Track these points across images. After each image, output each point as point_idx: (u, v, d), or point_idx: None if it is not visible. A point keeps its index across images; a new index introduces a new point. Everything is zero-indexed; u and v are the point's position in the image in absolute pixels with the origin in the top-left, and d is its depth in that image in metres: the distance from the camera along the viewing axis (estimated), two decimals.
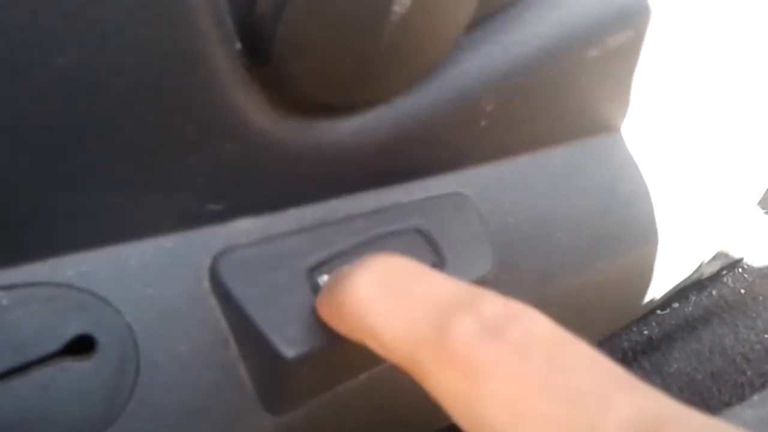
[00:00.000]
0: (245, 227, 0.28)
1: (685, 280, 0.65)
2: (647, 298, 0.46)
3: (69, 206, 0.23)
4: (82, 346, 0.25)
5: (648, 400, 0.17)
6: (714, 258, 0.67)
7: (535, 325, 0.18)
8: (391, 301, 0.21)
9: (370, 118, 0.26)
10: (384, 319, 0.21)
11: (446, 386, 0.19)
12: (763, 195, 0.53)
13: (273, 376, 0.27)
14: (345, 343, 0.27)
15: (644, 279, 0.42)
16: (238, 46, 0.21)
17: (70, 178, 0.22)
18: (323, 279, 0.27)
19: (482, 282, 0.30)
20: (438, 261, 0.29)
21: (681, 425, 0.16)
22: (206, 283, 0.27)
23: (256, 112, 0.23)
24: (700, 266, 0.57)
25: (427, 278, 0.21)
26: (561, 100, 0.31)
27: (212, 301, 0.27)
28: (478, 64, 0.27)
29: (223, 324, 0.27)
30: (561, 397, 0.16)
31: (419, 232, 0.29)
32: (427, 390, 0.20)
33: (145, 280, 0.26)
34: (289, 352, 0.25)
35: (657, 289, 0.47)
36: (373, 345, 0.22)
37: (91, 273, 0.25)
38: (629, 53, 0.30)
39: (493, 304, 0.19)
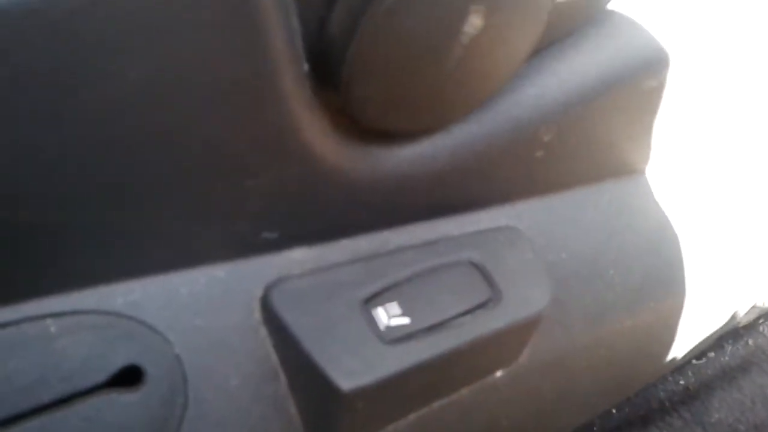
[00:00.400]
0: (298, 257, 0.27)
1: (720, 328, 0.63)
2: (691, 344, 0.45)
3: (122, 232, 0.23)
4: (129, 376, 0.24)
5: None
6: (750, 307, 0.65)
7: None
8: None
9: (428, 146, 0.26)
10: None
11: None
12: None
13: (324, 410, 0.26)
14: (399, 380, 0.26)
15: (688, 323, 0.41)
16: (306, 67, 0.21)
17: (127, 202, 0.22)
18: (377, 311, 0.26)
19: (538, 317, 0.29)
20: (493, 295, 0.28)
21: None
22: (257, 314, 0.26)
23: (319, 136, 0.23)
24: (734, 316, 0.56)
25: None
26: (614, 133, 0.30)
27: (263, 332, 0.26)
28: (535, 93, 0.27)
29: (273, 356, 0.26)
30: None
31: (473, 265, 0.28)
32: None
33: (196, 309, 0.25)
34: (345, 384, 0.24)
35: (698, 335, 0.46)
36: None
37: (141, 302, 0.24)
38: (675, 83, 0.30)
39: None
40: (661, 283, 0.36)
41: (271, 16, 0.19)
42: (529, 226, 0.31)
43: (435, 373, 0.27)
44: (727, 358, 0.61)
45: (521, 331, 0.29)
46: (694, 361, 0.61)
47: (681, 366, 0.60)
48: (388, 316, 0.26)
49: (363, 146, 0.24)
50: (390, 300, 0.27)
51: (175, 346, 0.25)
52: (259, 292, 0.26)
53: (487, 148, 0.27)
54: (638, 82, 0.29)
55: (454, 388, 0.30)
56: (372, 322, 0.26)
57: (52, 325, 0.23)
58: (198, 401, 0.25)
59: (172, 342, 0.25)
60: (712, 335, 0.61)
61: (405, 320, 0.26)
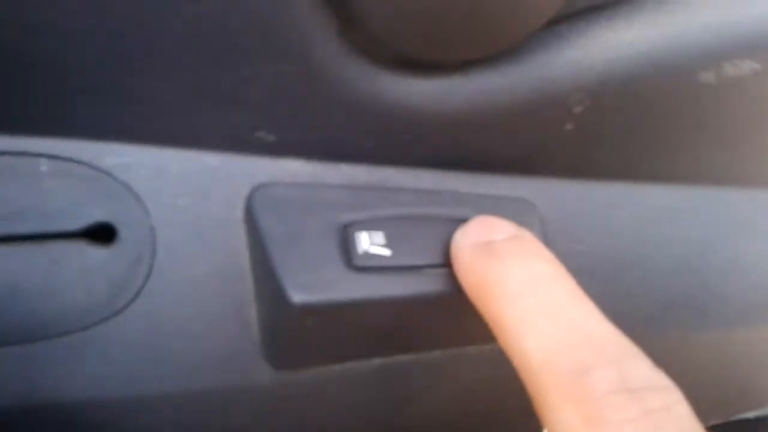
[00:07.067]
0: (293, 168, 0.27)
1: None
2: (740, 394, 0.41)
3: (123, 90, 0.23)
4: (102, 233, 0.25)
5: None
6: None
7: (677, 406, 0.18)
8: (545, 318, 0.21)
9: (443, 85, 0.25)
10: (530, 331, 0.20)
11: (564, 422, 0.18)
12: None
13: (277, 321, 0.26)
14: (357, 311, 0.25)
15: (733, 369, 0.37)
16: None
17: (129, 61, 0.22)
18: (355, 236, 0.25)
19: None
20: None
21: None
22: (239, 212, 0.26)
23: (322, 38, 0.22)
24: None
25: (587, 310, 0.21)
26: (663, 125, 0.28)
27: (240, 231, 0.26)
28: (572, 56, 0.25)
29: (245, 257, 0.26)
30: None
31: None
32: (538, 413, 0.20)
33: (181, 189, 0.26)
34: (296, 296, 0.24)
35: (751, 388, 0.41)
36: (499, 335, 0.22)
37: (131, 166, 0.25)
38: (751, 89, 0.27)
39: (642, 366, 0.19)
40: (700, 311, 0.33)
41: None
42: (549, 207, 0.29)
43: (400, 317, 0.26)
44: None
45: None
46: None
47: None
48: (371, 242, 0.25)
49: (371, 65, 0.24)
50: (377, 229, 0.26)
51: (152, 217, 0.26)
52: (246, 191, 0.26)
53: (507, 103, 0.25)
54: (710, 64, 0.26)
55: (425, 346, 0.29)
56: (348, 246, 0.25)
57: (44, 165, 0.25)
58: (160, 277, 0.26)
59: (150, 213, 0.25)
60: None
61: (386, 251, 0.26)
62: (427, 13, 0.22)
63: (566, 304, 0.21)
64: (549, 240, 0.29)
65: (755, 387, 0.39)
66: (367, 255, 0.25)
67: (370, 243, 0.26)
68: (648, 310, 0.32)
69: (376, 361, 0.28)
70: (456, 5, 0.22)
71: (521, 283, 0.22)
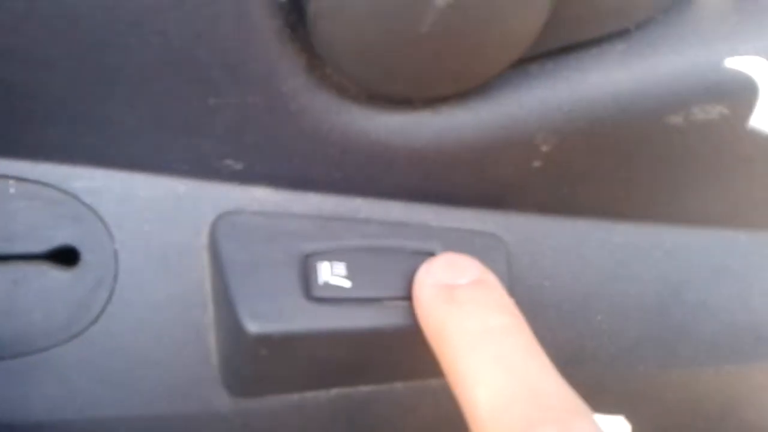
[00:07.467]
0: (261, 196, 0.27)
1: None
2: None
3: (91, 115, 0.24)
4: (65, 256, 0.25)
5: None
6: None
7: None
8: (496, 372, 0.21)
9: (412, 120, 0.25)
10: (480, 383, 0.21)
11: None
12: None
13: (235, 350, 0.26)
14: (314, 342, 0.25)
15: (701, 409, 0.37)
16: None
17: (96, 87, 0.23)
18: (316, 266, 0.25)
19: None
20: None
21: None
22: (204, 239, 0.26)
23: (289, 71, 0.23)
24: None
25: (539, 366, 0.21)
26: (631, 166, 0.28)
27: (204, 258, 0.26)
28: (540, 95, 0.25)
29: (208, 285, 0.26)
30: None
31: None
32: None
33: (147, 214, 0.26)
34: (251, 326, 0.24)
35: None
36: (452, 383, 0.22)
37: (98, 190, 0.25)
38: (719, 133, 0.27)
39: (586, 425, 0.19)
40: (670, 349, 0.32)
41: None
42: (518, 242, 0.29)
43: (358, 349, 0.26)
44: None
45: None
46: None
47: None
48: (332, 273, 0.25)
49: (338, 99, 0.24)
50: (339, 260, 0.26)
51: (116, 242, 0.26)
52: (211, 218, 0.26)
53: (476, 140, 0.26)
54: (678, 107, 0.26)
55: (385, 378, 0.29)
56: (308, 276, 0.25)
57: (12, 187, 0.25)
58: (121, 301, 0.26)
59: (114, 237, 0.26)
60: None
61: (347, 283, 0.25)
62: (396, 52, 0.22)
63: (519, 359, 0.21)
64: (516, 275, 0.29)
65: (723, 426, 0.38)
66: (327, 286, 0.25)
67: (331, 273, 0.26)
68: (616, 348, 0.32)
69: (336, 392, 0.28)
70: (424, 45, 0.22)
71: (477, 334, 0.22)
